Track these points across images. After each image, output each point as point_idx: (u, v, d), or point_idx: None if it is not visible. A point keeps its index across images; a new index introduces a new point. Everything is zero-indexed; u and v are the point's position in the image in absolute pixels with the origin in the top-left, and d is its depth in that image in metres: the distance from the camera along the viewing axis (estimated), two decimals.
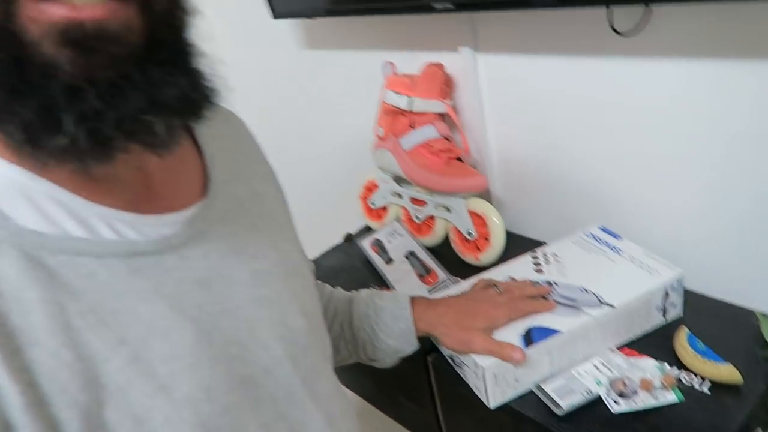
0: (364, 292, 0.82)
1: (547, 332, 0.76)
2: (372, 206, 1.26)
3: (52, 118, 0.35)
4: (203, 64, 0.43)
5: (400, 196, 1.18)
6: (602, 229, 0.94)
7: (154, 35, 0.39)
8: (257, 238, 0.53)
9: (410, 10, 0.99)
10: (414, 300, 0.79)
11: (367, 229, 1.29)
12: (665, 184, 0.90)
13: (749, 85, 0.74)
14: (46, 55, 0.35)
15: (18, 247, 0.38)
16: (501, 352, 0.72)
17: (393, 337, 0.77)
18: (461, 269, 1.05)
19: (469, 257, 1.07)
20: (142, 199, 0.45)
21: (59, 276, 0.39)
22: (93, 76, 0.36)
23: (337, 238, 1.27)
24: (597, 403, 0.73)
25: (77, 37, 0.35)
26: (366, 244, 1.17)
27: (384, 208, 1.24)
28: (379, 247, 1.16)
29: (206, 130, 0.55)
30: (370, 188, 1.25)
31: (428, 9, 0.92)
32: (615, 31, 0.81)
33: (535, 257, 0.91)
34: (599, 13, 0.81)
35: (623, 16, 0.80)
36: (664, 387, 0.72)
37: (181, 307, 0.44)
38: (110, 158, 0.38)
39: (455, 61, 1.06)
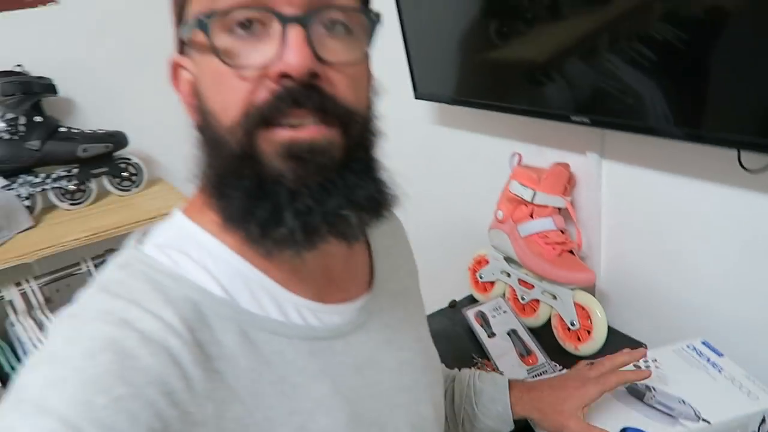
0: (465, 372, 0.89)
1: None
2: (480, 279, 1.35)
3: (278, 215, 0.44)
4: (385, 175, 0.52)
5: (508, 275, 1.27)
6: (704, 344, 0.98)
7: (350, 151, 0.48)
8: (405, 330, 0.61)
9: (548, 117, 1.10)
10: (512, 384, 0.85)
11: (471, 300, 1.38)
12: None
13: None
14: (276, 168, 0.45)
15: (236, 323, 0.47)
16: None
17: (491, 418, 0.82)
18: (560, 355, 1.11)
19: (569, 345, 1.14)
20: (324, 290, 0.54)
21: (260, 349, 0.47)
22: (306, 181, 0.45)
23: (442, 303, 1.37)
24: None
25: (297, 152, 0.44)
26: (470, 314, 1.26)
27: (491, 283, 1.34)
28: (483, 319, 1.25)
29: (374, 228, 0.65)
30: (481, 262, 1.35)
31: (566, 119, 1.03)
32: (743, 167, 0.88)
33: (636, 363, 0.97)
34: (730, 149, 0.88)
35: (752, 154, 0.87)
36: None
37: (341, 388, 0.51)
38: (315, 246, 0.46)
39: (581, 163, 1.15)
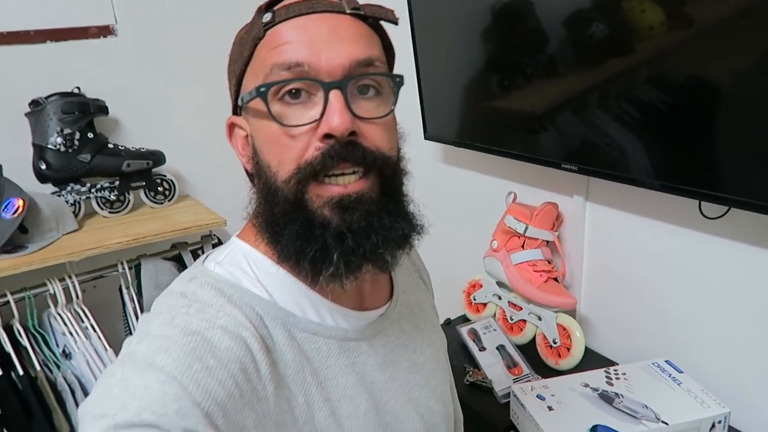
0: None
1: (609, 431, 0.95)
2: (473, 301, 1.49)
3: (326, 255, 0.51)
4: (414, 207, 0.59)
5: (499, 297, 1.41)
6: (668, 362, 1.12)
7: (386, 191, 0.55)
8: (418, 337, 0.69)
9: (541, 162, 1.26)
10: None
11: (464, 319, 1.52)
12: (729, 341, 1.08)
13: None
14: (324, 217, 0.52)
15: (283, 323, 0.54)
16: None
17: None
18: (542, 369, 1.25)
19: (550, 361, 1.27)
20: (354, 299, 0.60)
21: (302, 346, 0.55)
22: (351, 226, 0.52)
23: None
24: None
25: (346, 204, 0.51)
26: (464, 330, 1.39)
27: (483, 305, 1.47)
28: (475, 335, 1.38)
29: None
30: (475, 286, 1.49)
31: (557, 165, 1.19)
32: (703, 215, 1.04)
33: (607, 372, 1.11)
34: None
35: (712, 205, 1.03)
36: None
37: (364, 381, 0.59)
38: (356, 278, 0.53)
39: (568, 203, 1.31)
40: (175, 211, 1.63)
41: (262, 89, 0.51)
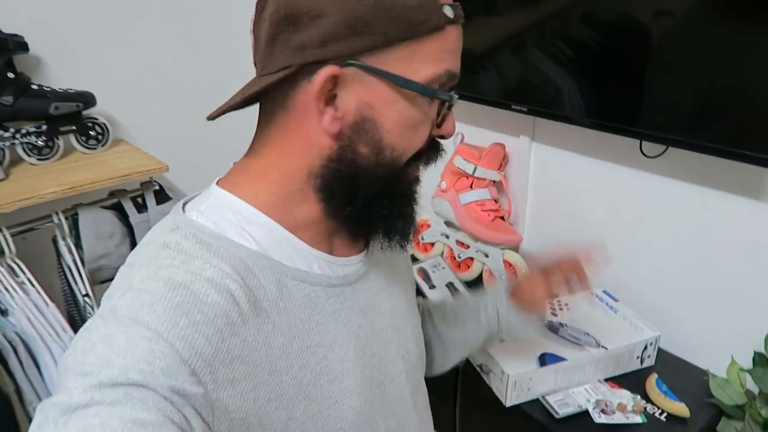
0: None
1: (557, 358, 1.01)
2: (421, 240, 1.52)
3: (410, 224, 0.60)
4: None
5: (447, 237, 1.45)
6: (605, 292, 1.20)
7: None
8: (394, 283, 0.70)
9: (492, 104, 1.27)
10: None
11: (413, 259, 1.55)
12: (659, 270, 1.16)
13: (713, 206, 1.02)
14: (412, 191, 0.61)
15: (273, 272, 0.54)
16: None
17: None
18: None
19: None
20: (337, 248, 0.61)
21: (292, 293, 0.55)
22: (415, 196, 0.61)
23: None
24: (585, 415, 0.98)
25: (418, 180, 0.61)
26: (413, 269, 1.43)
27: (431, 244, 1.51)
28: (425, 274, 1.41)
29: None
30: (423, 226, 1.51)
31: (507, 107, 1.20)
32: (643, 154, 1.09)
33: (551, 304, 1.17)
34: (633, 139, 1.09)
35: (652, 145, 1.08)
36: (634, 411, 0.98)
37: (350, 326, 0.60)
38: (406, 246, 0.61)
39: (514, 144, 1.34)
40: (111, 156, 1.54)
41: (447, 99, 0.55)
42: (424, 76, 0.52)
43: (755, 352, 1.00)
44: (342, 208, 0.56)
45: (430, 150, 0.58)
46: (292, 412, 0.53)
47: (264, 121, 0.57)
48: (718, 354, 1.06)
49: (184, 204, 0.57)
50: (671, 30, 0.96)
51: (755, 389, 1.00)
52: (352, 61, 0.50)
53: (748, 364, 1.00)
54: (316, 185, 0.55)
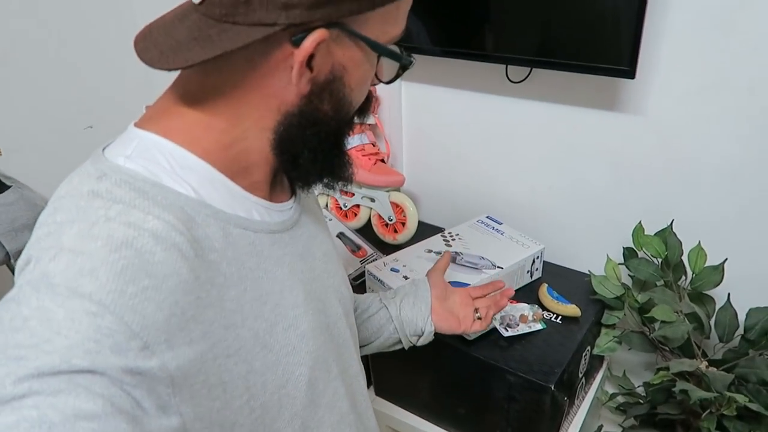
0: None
1: (460, 284, 1.04)
2: None
3: (348, 173, 0.60)
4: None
5: None
6: (488, 217, 1.25)
7: None
8: (321, 230, 0.69)
9: None
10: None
11: None
12: (535, 188, 1.24)
13: (576, 122, 1.10)
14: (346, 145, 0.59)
15: (216, 220, 0.50)
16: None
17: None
18: (382, 247, 1.31)
19: (388, 238, 1.33)
20: (271, 194, 0.60)
21: (237, 242, 0.51)
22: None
23: None
24: (493, 331, 1.03)
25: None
26: None
27: None
28: None
29: None
30: None
31: None
32: (509, 79, 1.13)
33: (444, 236, 1.20)
34: (499, 66, 1.12)
35: (516, 70, 1.12)
36: (534, 320, 1.05)
37: (295, 271, 0.58)
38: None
39: (384, 85, 1.32)
40: None
41: (405, 59, 0.55)
42: (389, 38, 0.52)
43: (624, 248, 1.11)
44: (293, 160, 0.54)
45: (367, 101, 0.58)
46: (252, 364, 0.50)
47: (214, 68, 0.49)
48: (595, 256, 1.17)
49: (103, 150, 0.50)
50: None
51: (629, 282, 1.11)
52: (337, 25, 0.48)
53: (620, 259, 1.11)
54: (270, 139, 0.52)
